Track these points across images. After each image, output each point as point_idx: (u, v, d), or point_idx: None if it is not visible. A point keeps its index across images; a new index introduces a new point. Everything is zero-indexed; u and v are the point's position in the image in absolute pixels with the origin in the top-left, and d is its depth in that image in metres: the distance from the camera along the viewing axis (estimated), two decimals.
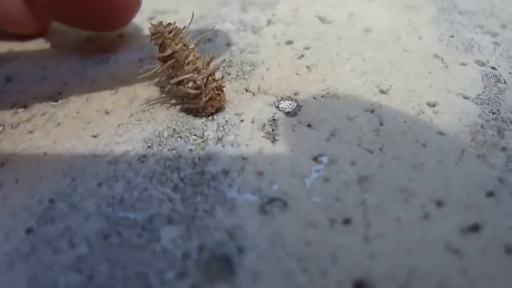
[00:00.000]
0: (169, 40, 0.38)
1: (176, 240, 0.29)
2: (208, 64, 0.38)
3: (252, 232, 0.29)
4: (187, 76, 0.37)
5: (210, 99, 0.37)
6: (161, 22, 0.39)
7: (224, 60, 0.39)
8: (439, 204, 0.30)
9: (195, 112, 0.38)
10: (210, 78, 0.38)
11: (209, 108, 0.38)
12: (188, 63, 0.38)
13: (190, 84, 0.37)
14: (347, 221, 0.29)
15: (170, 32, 0.38)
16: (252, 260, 0.27)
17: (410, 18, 0.53)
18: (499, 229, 0.29)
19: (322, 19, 0.53)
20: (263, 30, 0.51)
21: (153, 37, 0.39)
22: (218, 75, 0.42)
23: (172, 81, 0.38)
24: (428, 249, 0.28)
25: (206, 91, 0.37)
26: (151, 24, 0.39)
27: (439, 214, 0.30)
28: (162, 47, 0.38)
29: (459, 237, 0.28)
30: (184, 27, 0.39)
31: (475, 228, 0.29)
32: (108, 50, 0.49)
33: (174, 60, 0.38)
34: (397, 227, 0.29)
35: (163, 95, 0.40)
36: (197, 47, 0.39)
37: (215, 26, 0.45)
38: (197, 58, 0.38)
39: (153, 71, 0.39)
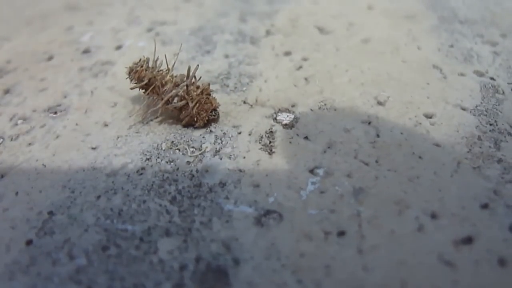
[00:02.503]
0: (143, 71, 0.38)
1: (173, 252, 0.29)
2: (187, 76, 0.38)
3: (248, 244, 0.29)
4: (170, 94, 0.38)
5: (199, 103, 0.38)
6: (134, 62, 0.40)
7: (198, 65, 0.39)
8: (433, 216, 0.30)
9: (193, 123, 0.38)
10: (192, 86, 0.38)
11: (203, 113, 0.38)
12: (167, 83, 0.38)
13: (175, 99, 0.38)
14: (341, 233, 0.30)
15: (141, 66, 0.39)
16: (247, 272, 0.28)
17: (410, 28, 0.53)
18: (493, 241, 0.29)
19: (321, 30, 0.53)
20: (262, 41, 0.51)
21: (130, 77, 0.40)
22: (213, 87, 0.42)
23: (159, 105, 0.38)
24: (421, 261, 0.28)
25: (191, 98, 0.38)
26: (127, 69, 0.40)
27: (433, 226, 0.30)
28: (140, 80, 0.39)
29: (453, 249, 0.28)
30: (152, 59, 0.40)
31: (468, 240, 0.29)
32: (107, 62, 0.49)
33: (153, 86, 0.38)
34: (391, 239, 0.29)
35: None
36: (172, 68, 0.39)
37: (179, 52, 0.45)
38: (175, 76, 0.39)
39: (140, 107, 0.40)
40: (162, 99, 0.38)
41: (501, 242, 0.29)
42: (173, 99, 0.38)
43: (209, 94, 0.39)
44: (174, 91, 0.38)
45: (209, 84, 0.39)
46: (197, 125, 0.38)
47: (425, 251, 0.28)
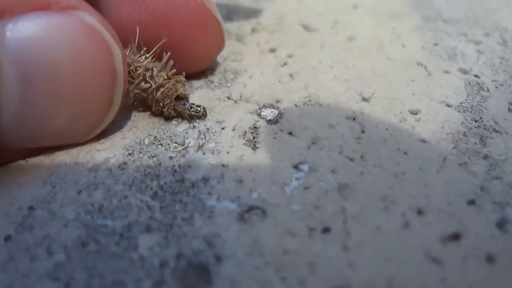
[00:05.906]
0: None
1: (153, 249, 0.29)
2: (165, 65, 0.38)
3: (230, 240, 0.29)
4: (140, 78, 0.38)
5: (166, 89, 0.38)
6: None
7: (169, 53, 0.39)
8: (419, 212, 0.30)
9: (163, 111, 0.38)
10: (162, 72, 0.38)
11: (167, 99, 0.38)
12: (141, 67, 0.38)
13: (143, 83, 0.38)
14: (326, 230, 0.29)
15: None
16: (229, 269, 0.27)
17: (394, 26, 0.53)
18: (480, 237, 0.29)
19: (306, 27, 0.53)
20: (247, 38, 0.51)
21: None
22: (198, 83, 0.42)
23: (130, 88, 0.38)
24: (408, 257, 0.28)
25: (155, 81, 0.38)
26: None
27: (420, 222, 0.30)
28: None
29: (440, 246, 0.28)
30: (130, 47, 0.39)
31: (455, 237, 0.29)
32: None
33: (128, 71, 0.38)
34: (376, 236, 0.29)
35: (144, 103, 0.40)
36: (151, 56, 0.39)
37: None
38: (153, 63, 0.39)
39: None
40: (133, 83, 0.38)
41: (488, 239, 0.29)
42: (141, 82, 0.37)
43: (178, 82, 0.38)
44: (143, 74, 0.37)
45: (181, 73, 0.39)
46: (166, 114, 0.38)
47: (412, 248, 0.28)
